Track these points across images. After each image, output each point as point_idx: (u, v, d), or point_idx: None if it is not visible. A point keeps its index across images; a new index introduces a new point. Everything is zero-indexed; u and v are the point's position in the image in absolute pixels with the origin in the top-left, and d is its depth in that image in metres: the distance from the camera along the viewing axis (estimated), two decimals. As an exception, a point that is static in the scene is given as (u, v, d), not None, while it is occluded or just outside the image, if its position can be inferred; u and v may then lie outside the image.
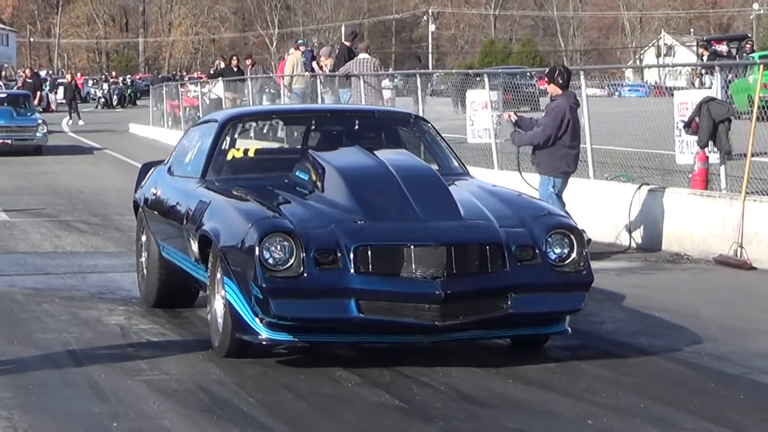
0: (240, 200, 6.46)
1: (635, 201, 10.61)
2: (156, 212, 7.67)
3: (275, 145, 7.79)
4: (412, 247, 5.75)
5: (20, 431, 4.87)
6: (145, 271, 7.89)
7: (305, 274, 5.69)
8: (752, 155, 9.78)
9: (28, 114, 22.67)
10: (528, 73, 20.52)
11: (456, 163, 7.46)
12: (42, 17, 73.91)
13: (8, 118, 21.23)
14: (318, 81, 18.68)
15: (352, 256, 5.71)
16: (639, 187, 10.69)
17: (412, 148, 7.40)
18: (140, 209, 8.06)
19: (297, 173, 6.79)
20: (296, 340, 5.90)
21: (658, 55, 67.72)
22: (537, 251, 5.94)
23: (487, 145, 14.37)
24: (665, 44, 68.26)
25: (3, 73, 50.71)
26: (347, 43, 18.25)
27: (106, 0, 73.60)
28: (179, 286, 7.48)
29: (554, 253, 6.00)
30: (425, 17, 69.80)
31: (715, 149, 10.41)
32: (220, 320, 6.19)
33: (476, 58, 65.90)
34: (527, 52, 65.95)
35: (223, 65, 25.86)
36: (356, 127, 7.60)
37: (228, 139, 7.33)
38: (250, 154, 7.36)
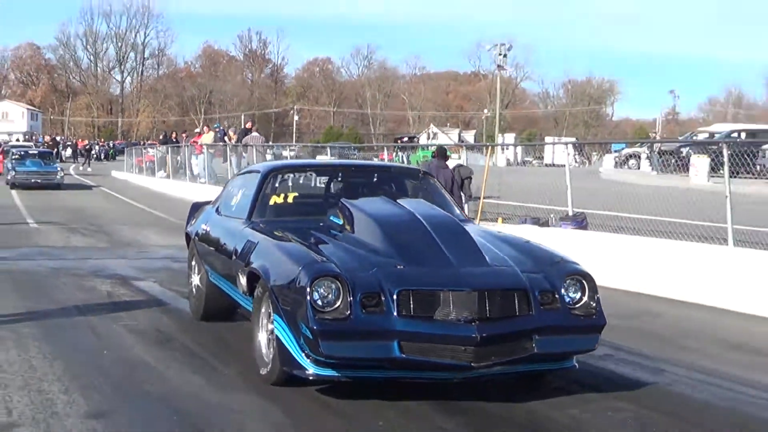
0: (285, 241, 8.08)
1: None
2: (206, 245, 10.38)
3: (308, 192, 9.90)
4: (450, 292, 7.08)
5: (44, 354, 9.30)
6: (194, 290, 10.95)
7: (352, 317, 7.00)
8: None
9: (52, 164, 46.56)
10: (351, 147, 42.64)
11: (458, 211, 9.42)
12: (58, 103, 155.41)
13: (39, 166, 45.02)
14: (227, 148, 36.27)
15: (395, 299, 7.00)
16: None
17: (422, 198, 9.21)
18: (192, 240, 11.11)
19: (331, 218, 8.64)
20: (340, 375, 7.27)
21: (428, 138, 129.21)
22: (557, 296, 7.39)
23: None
24: (432, 131, 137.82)
25: (33, 138, 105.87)
26: (247, 126, 38.59)
27: (99, 95, 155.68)
28: (221, 306, 10.27)
29: (569, 297, 7.47)
30: (292, 111, 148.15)
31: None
32: (264, 350, 7.89)
33: (321, 137, 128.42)
34: (352, 134, 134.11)
35: (163, 136, 54.35)
36: (375, 179, 9.77)
37: (269, 186, 9.61)
38: (289, 200, 9.48)
